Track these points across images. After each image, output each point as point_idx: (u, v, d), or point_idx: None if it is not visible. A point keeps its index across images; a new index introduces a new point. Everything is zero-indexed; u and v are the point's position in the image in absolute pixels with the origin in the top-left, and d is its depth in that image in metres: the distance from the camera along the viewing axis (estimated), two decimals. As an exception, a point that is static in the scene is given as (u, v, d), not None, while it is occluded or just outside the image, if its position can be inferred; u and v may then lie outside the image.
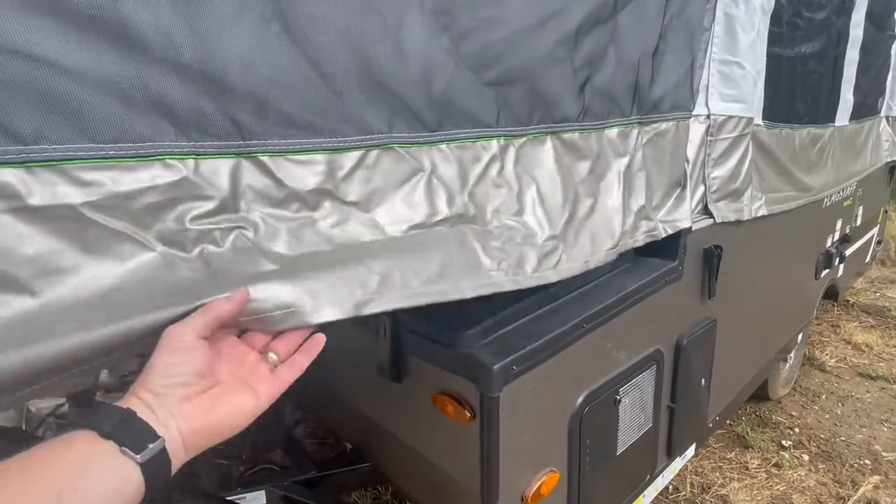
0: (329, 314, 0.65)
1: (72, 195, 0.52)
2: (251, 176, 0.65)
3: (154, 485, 0.48)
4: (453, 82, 0.83)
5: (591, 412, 1.12)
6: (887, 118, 3.41)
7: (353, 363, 1.28)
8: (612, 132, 1.13)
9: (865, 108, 2.89)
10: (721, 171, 1.47)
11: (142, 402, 0.51)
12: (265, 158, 0.66)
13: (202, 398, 0.54)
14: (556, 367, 1.02)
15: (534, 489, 1.01)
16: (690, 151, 1.38)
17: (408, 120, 0.79)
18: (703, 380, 1.56)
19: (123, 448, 0.46)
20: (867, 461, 2.43)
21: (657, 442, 1.42)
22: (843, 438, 2.61)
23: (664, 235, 1.28)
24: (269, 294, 0.62)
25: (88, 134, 0.53)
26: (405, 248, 0.75)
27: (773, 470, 2.39)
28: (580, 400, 1.09)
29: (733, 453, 2.51)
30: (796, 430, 2.69)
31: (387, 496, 2.19)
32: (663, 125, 1.25)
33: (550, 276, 0.91)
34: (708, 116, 1.40)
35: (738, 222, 1.58)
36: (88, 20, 0.51)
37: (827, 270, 2.64)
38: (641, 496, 1.44)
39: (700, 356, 1.51)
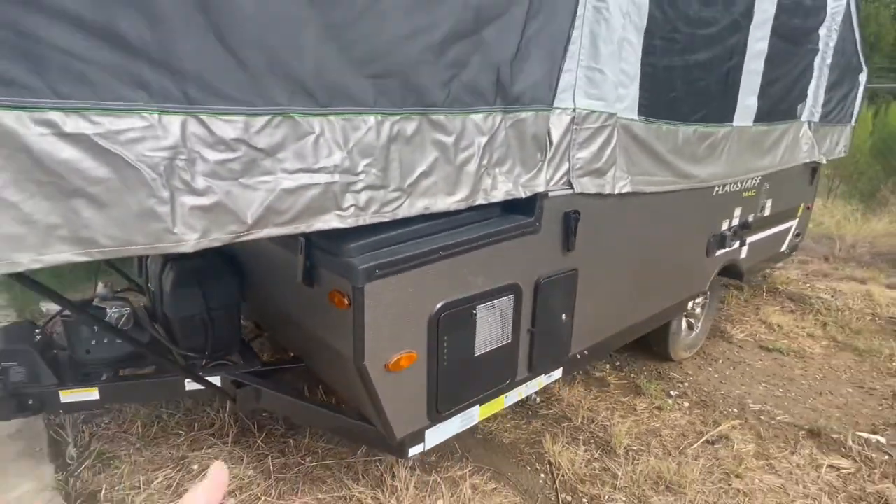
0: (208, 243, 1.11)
1: (87, 129, 0.95)
2: (194, 127, 1.08)
3: None
4: (340, 75, 1.25)
5: (448, 317, 1.57)
6: (809, 123, 3.81)
7: (286, 280, 1.72)
8: (478, 116, 1.55)
9: (778, 112, 3.29)
10: (584, 153, 1.89)
11: None
12: (203, 117, 1.09)
13: None
14: (416, 277, 1.46)
15: (394, 360, 1.46)
16: (556, 135, 1.80)
17: (304, 98, 1.21)
18: (563, 315, 2.01)
19: None
20: (735, 409, 2.91)
21: (517, 355, 1.88)
22: (723, 392, 3.08)
23: (523, 196, 1.71)
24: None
25: (98, 94, 0.95)
26: (286, 190, 1.19)
27: (656, 412, 2.86)
28: (438, 306, 1.54)
29: (627, 398, 2.99)
30: (686, 384, 3.16)
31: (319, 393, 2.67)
32: (524, 114, 1.67)
33: (386, 217, 1.36)
34: (574, 109, 1.82)
35: (607, 195, 2.01)
36: (101, 30, 0.93)
37: (723, 251, 3.08)
38: (504, 396, 1.90)
39: (559, 296, 1.96)
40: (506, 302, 1.76)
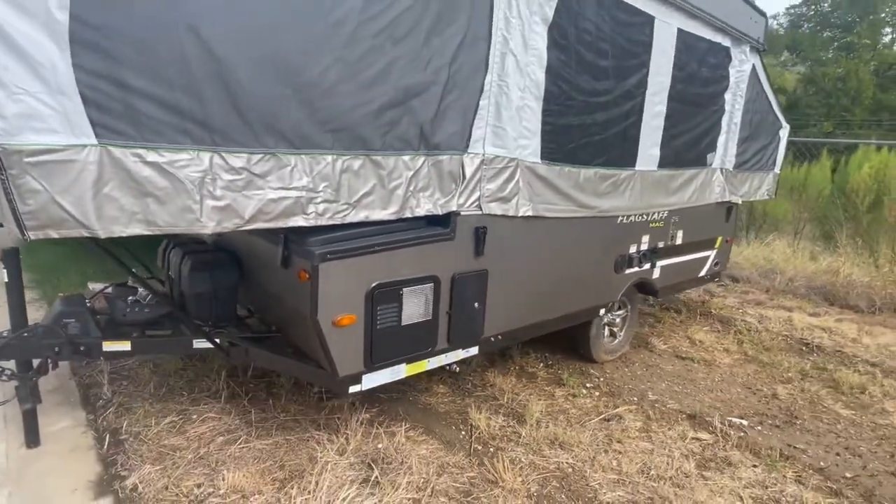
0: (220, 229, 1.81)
1: (158, 159, 1.69)
2: (217, 160, 1.81)
3: None
4: (308, 129, 1.99)
5: (380, 294, 2.27)
6: (721, 170, 4.57)
7: (270, 266, 2.42)
8: (406, 157, 2.29)
9: (685, 160, 4.05)
10: (492, 185, 2.62)
11: None
12: (223, 153, 1.82)
13: None
14: (356, 262, 2.17)
15: (339, 318, 2.15)
16: (469, 172, 2.53)
17: (285, 143, 1.95)
18: (476, 304, 2.70)
19: None
20: (635, 398, 3.55)
21: (437, 330, 2.56)
22: (630, 387, 3.73)
23: (440, 213, 2.44)
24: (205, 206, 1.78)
25: (166, 139, 1.69)
26: (271, 199, 1.91)
27: (570, 398, 3.50)
28: (373, 285, 2.24)
29: (550, 387, 3.63)
30: (601, 379, 3.81)
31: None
32: (442, 157, 2.41)
33: (337, 220, 2.08)
34: (483, 154, 2.56)
35: (512, 217, 2.73)
36: (171, 105, 1.68)
37: (633, 269, 3.78)
38: (426, 360, 2.57)
39: (472, 289, 2.65)
40: (427, 288, 2.46)
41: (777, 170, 5.63)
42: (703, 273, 4.78)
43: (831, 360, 4.52)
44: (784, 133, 5.55)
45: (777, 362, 4.39)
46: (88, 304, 2.65)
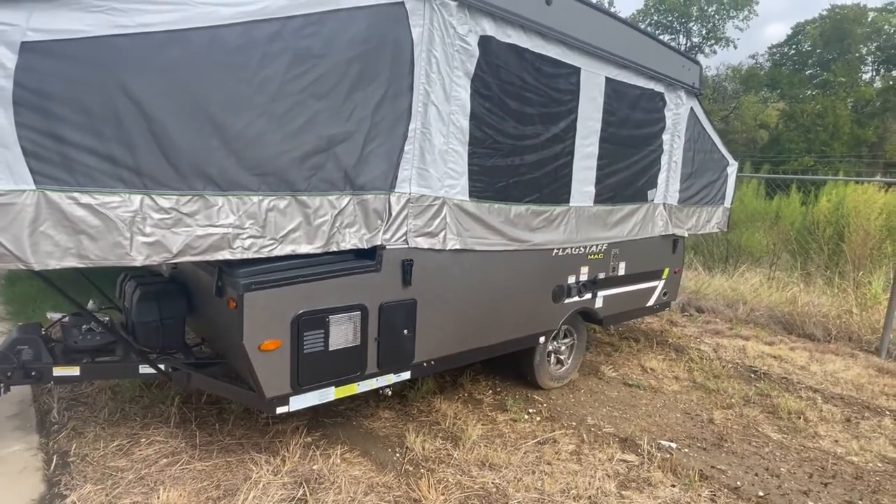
0: (149, 262, 2.04)
1: (91, 201, 1.93)
2: (147, 201, 2.06)
3: None
4: (236, 174, 2.25)
5: (306, 321, 2.48)
6: (664, 205, 4.85)
7: (209, 296, 2.64)
8: (332, 197, 2.55)
9: (623, 196, 4.33)
10: (418, 221, 2.87)
11: None
12: (153, 196, 2.07)
13: None
14: (282, 293, 2.39)
15: (264, 343, 2.35)
16: (395, 209, 2.78)
17: (213, 186, 2.20)
18: (405, 331, 2.90)
19: None
20: (574, 423, 3.70)
21: (366, 355, 2.76)
22: (571, 412, 3.88)
23: (365, 247, 2.67)
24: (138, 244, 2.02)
25: (99, 184, 1.94)
26: (198, 235, 2.16)
27: (511, 423, 3.66)
28: (299, 312, 2.46)
29: (494, 413, 3.78)
30: (545, 405, 3.96)
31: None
32: (367, 196, 2.66)
33: (263, 254, 2.31)
34: (409, 193, 2.82)
35: (440, 250, 2.97)
36: (104, 155, 1.94)
37: (572, 299, 3.99)
38: (356, 384, 2.76)
39: (401, 317, 2.86)
40: (355, 316, 2.67)
41: (727, 204, 5.92)
42: (651, 303, 4.99)
43: (776, 387, 4.68)
44: (732, 170, 5.86)
45: (722, 389, 4.55)
46: (44, 332, 2.84)
